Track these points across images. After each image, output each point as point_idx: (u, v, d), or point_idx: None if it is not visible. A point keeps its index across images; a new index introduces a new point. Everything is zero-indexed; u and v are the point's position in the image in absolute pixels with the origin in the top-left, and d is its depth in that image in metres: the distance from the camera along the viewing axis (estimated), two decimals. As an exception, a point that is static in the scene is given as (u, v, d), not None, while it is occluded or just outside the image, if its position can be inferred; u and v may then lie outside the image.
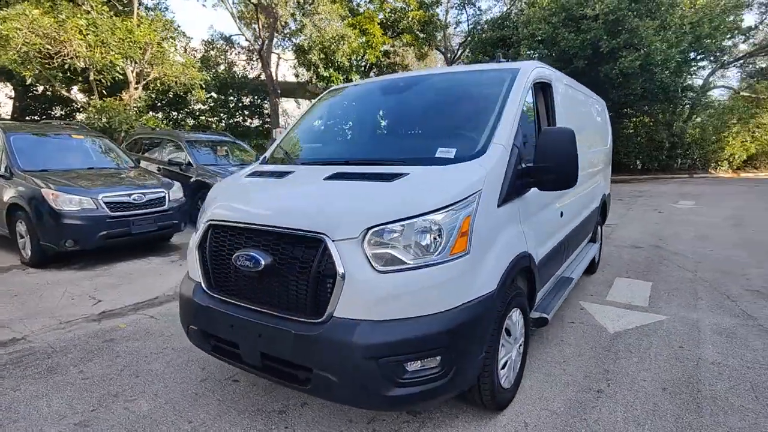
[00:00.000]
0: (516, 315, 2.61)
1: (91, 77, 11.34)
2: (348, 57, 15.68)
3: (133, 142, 10.03)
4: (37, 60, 10.28)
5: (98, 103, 11.37)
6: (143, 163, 8.73)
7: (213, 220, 2.45)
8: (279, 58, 23.75)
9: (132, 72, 11.94)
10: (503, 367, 2.51)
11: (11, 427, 2.48)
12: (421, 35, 18.82)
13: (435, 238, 2.02)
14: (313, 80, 17.32)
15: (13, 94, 17.61)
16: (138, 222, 5.87)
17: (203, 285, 2.50)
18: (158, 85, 12.56)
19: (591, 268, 5.33)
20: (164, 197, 6.25)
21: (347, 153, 2.92)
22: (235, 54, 23.50)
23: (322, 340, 1.98)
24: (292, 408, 2.66)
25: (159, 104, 18.44)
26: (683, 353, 3.40)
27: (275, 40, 19.60)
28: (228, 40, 22.72)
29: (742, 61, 30.09)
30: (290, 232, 2.11)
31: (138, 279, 5.32)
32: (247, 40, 19.52)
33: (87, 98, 13.21)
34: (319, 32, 15.10)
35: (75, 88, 15.47)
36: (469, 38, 22.23)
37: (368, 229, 2.00)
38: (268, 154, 3.39)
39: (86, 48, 10.17)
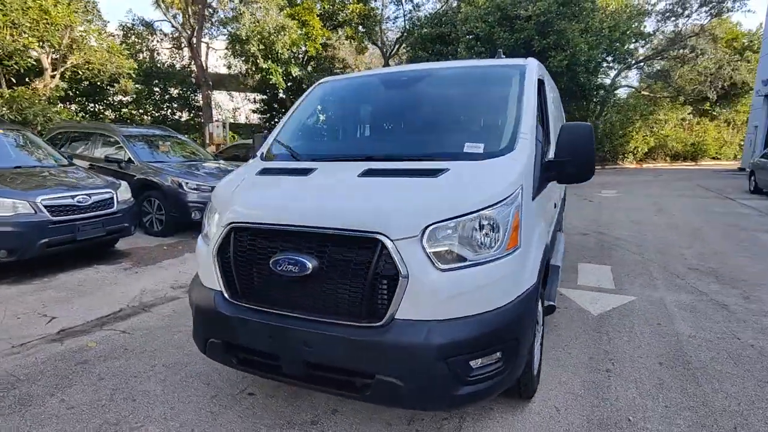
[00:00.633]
0: (539, 304, 2.70)
1: (-2, 63, 9.84)
2: (288, 48, 15.15)
3: (53, 138, 8.89)
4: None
5: (7, 92, 9.91)
6: (72, 161, 7.79)
7: (237, 222, 2.24)
8: (208, 47, 22.37)
9: (47, 58, 10.54)
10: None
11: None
12: (361, 29, 18.69)
13: (493, 234, 2.01)
14: (251, 72, 16.55)
15: None
16: (84, 227, 5.23)
17: (225, 294, 2.29)
18: (80, 73, 11.21)
19: (558, 256, 5.66)
20: (112, 198, 5.62)
21: (367, 149, 2.80)
22: (157, 41, 21.74)
23: (387, 345, 1.90)
24: (324, 417, 2.53)
25: (72, 94, 16.50)
26: (662, 330, 3.72)
27: (204, 28, 18.42)
28: (149, 25, 20.93)
29: (642, 64, 33.62)
30: (341, 233, 1.98)
31: (91, 291, 4.76)
32: (174, 26, 18.13)
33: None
34: (258, 22, 14.44)
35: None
36: (406, 34, 22.50)
37: (427, 226, 1.94)
38: (264, 150, 3.17)
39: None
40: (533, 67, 3.05)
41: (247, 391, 2.80)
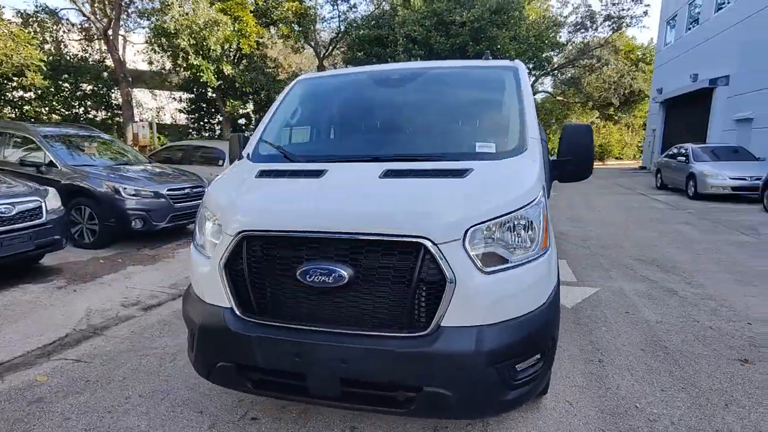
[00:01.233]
0: None
1: None
2: (221, 45, 14.32)
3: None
4: None
5: None
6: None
7: (250, 230, 2.01)
8: (125, 40, 20.54)
9: (-66, 45, 8.97)
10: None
11: None
12: (297, 28, 18.20)
13: (529, 234, 2.00)
14: (178, 68, 15.43)
15: None
16: (8, 241, 4.50)
17: (237, 311, 2.05)
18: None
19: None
20: (40, 207, 4.89)
21: (372, 149, 2.65)
22: (64, 32, 19.52)
23: (436, 354, 1.80)
24: (343, 436, 2.37)
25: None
26: (633, 318, 3.99)
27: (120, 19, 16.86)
28: (53, 14, 18.69)
29: (556, 71, 36.44)
30: (379, 239, 1.85)
31: (23, 315, 4.09)
32: (85, 16, 16.38)
33: None
34: (186, 15, 13.48)
35: None
36: (340, 35, 22.32)
37: (469, 228, 1.87)
38: (250, 150, 2.91)
39: None
40: (524, 68, 3.11)
41: (249, 415, 2.54)
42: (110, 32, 16.05)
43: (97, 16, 16.55)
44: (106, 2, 14.97)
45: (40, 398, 2.75)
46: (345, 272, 1.85)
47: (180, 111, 21.71)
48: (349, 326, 1.92)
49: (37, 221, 4.81)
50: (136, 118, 18.11)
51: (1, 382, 2.94)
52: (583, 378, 2.94)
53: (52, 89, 16.83)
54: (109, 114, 19.31)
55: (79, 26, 19.82)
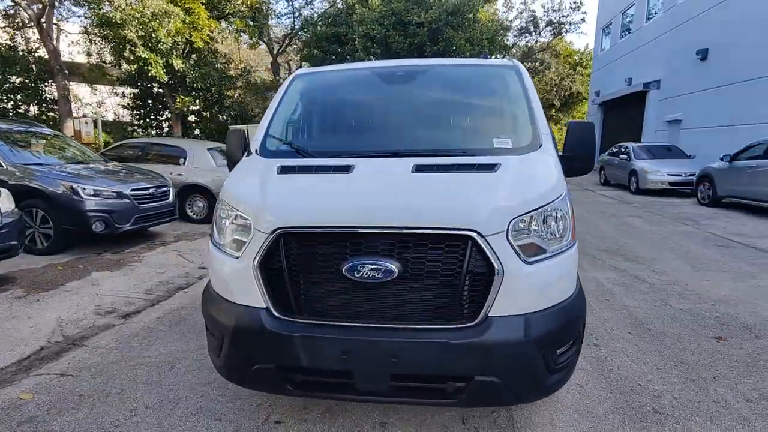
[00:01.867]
0: None
1: None
2: (172, 38, 13.58)
3: None
4: None
5: None
6: None
7: (288, 227, 1.95)
8: (59, 30, 18.93)
9: None
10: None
11: None
12: (251, 23, 17.62)
13: (562, 225, 2.09)
14: (123, 61, 14.45)
15: None
16: (-41, 248, 4.04)
17: (274, 311, 1.99)
18: None
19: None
20: (-7, 210, 4.44)
21: (391, 144, 2.62)
22: (-15, 18, 17.70)
23: (487, 344, 1.84)
24: (374, 432, 2.36)
25: None
26: (613, 304, 4.26)
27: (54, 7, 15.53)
28: (-28, -2, 16.93)
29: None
30: (429, 232, 1.86)
31: (-17, 329, 3.70)
32: (14, 1, 14.94)
33: None
34: (132, 5, 12.66)
35: None
36: (294, 31, 21.89)
37: (511, 220, 1.93)
38: (257, 146, 2.81)
39: None
40: (524, 68, 3.24)
41: (272, 419, 2.46)
42: (44, 20, 14.73)
43: (27, 2, 15.15)
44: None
45: (32, 417, 2.51)
46: (394, 266, 1.85)
47: (123, 107, 20.30)
48: (397, 321, 1.92)
49: (-10, 226, 4.35)
50: (75, 114, 16.77)
51: (-22, 404, 2.65)
52: (585, 361, 3.11)
53: (-26, 81, 15.22)
54: (42, 109, 17.73)
55: (4, 12, 18.08)
